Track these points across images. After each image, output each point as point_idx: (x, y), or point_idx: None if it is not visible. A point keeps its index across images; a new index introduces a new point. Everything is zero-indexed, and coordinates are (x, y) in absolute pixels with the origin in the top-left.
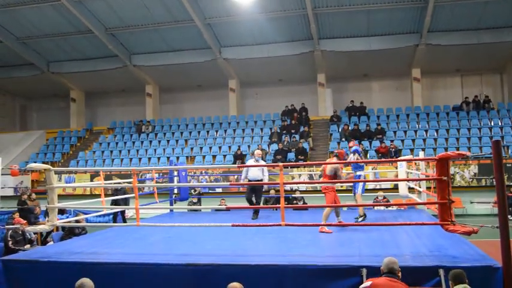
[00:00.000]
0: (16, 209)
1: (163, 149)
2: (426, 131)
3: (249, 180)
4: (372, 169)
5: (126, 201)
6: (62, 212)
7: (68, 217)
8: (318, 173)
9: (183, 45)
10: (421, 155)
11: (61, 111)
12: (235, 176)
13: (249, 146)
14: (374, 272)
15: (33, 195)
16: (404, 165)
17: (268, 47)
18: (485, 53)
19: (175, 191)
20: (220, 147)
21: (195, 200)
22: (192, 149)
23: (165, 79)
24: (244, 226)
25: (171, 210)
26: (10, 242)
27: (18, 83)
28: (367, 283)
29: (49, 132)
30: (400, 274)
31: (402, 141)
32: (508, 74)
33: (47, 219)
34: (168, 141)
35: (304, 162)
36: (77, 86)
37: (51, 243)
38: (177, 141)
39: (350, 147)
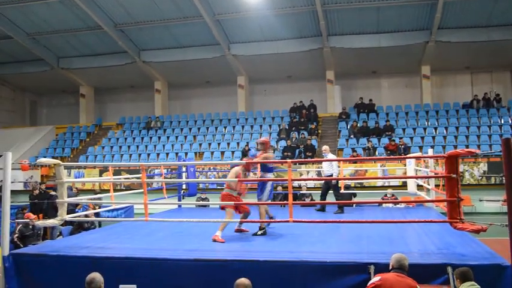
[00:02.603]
0: (28, 203)
1: (172, 145)
2: (435, 128)
3: None
4: (381, 166)
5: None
6: None
7: (77, 212)
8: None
9: (192, 41)
10: (430, 152)
11: (70, 106)
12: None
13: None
14: (382, 269)
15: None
16: (413, 162)
17: (277, 44)
18: (495, 51)
19: (184, 186)
20: (228, 144)
21: (203, 196)
22: (200, 145)
23: (174, 75)
24: (252, 222)
25: (180, 206)
26: (20, 236)
27: (28, 78)
28: (377, 278)
29: (58, 127)
30: (407, 271)
31: (411, 138)
32: None
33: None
34: (176, 137)
35: (313, 159)
36: (86, 81)
37: (61, 237)
38: (185, 137)
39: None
